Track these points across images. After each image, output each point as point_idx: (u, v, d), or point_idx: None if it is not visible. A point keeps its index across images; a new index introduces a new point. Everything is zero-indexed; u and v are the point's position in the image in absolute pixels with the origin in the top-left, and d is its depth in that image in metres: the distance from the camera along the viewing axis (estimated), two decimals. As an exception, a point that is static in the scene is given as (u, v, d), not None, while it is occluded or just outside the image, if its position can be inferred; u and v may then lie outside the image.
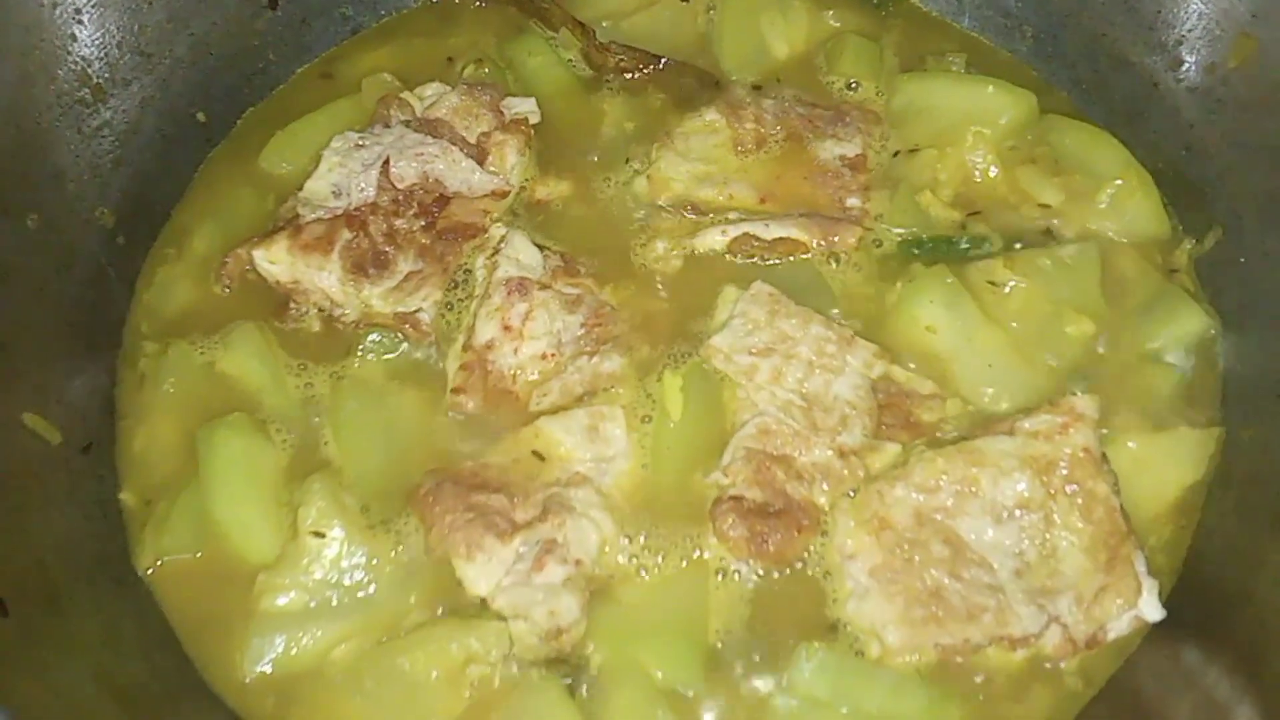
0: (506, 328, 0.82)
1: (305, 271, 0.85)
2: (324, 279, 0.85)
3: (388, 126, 0.92)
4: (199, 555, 0.77)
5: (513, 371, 0.82)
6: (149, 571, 0.78)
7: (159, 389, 0.84)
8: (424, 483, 0.77)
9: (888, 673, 0.73)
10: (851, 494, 0.77)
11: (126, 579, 0.77)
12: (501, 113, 0.93)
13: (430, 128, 0.92)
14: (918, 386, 0.82)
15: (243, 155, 0.95)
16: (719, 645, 0.74)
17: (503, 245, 0.86)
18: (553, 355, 0.82)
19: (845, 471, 0.77)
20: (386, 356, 0.85)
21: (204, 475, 0.78)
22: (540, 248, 0.86)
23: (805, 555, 0.76)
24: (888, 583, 0.74)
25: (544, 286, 0.84)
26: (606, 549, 0.76)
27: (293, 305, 0.86)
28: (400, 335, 0.85)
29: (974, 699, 0.73)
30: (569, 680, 0.73)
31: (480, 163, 0.91)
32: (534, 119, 0.93)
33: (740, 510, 0.76)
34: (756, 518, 0.75)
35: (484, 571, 0.74)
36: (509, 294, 0.83)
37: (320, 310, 0.86)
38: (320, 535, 0.76)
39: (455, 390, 0.81)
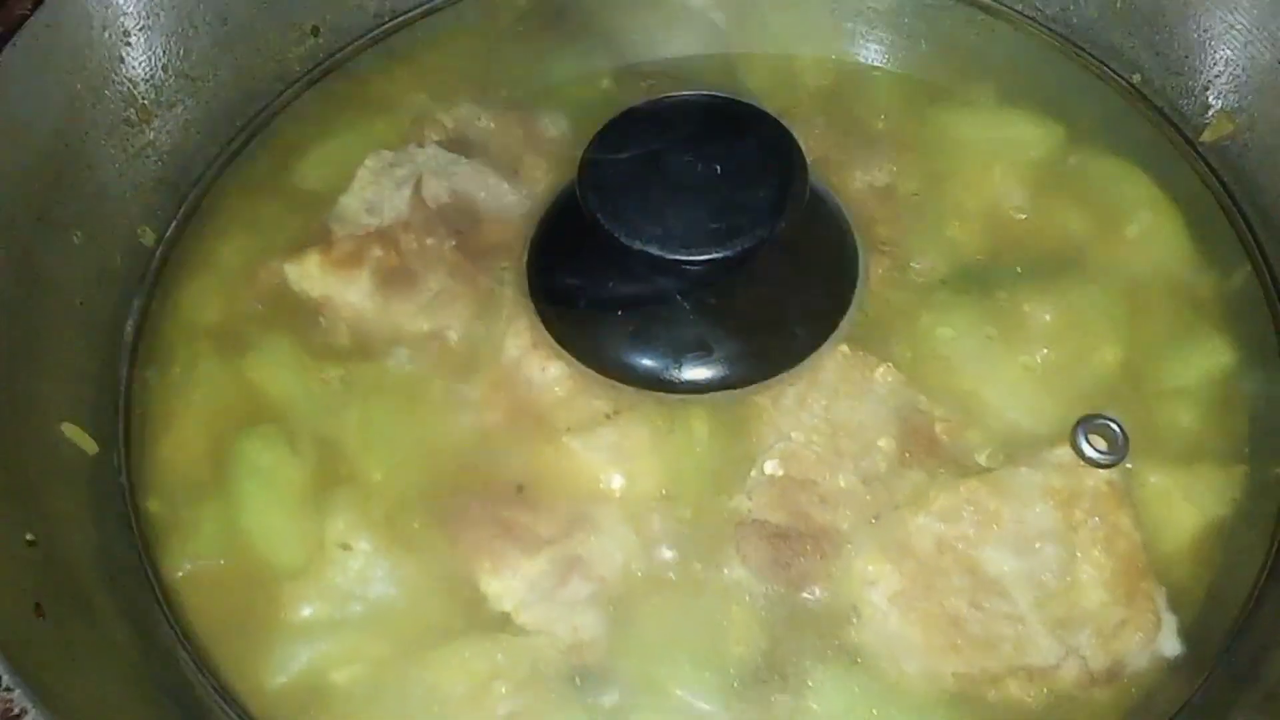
0: (535, 346, 0.83)
1: (335, 286, 0.86)
2: (353, 294, 0.86)
3: (421, 146, 0.93)
4: (225, 564, 0.78)
5: (540, 389, 0.82)
6: (176, 579, 0.78)
7: (189, 400, 0.85)
8: (451, 498, 0.78)
9: (906, 698, 0.73)
10: (874, 520, 0.77)
11: (154, 586, 0.78)
12: (536, 133, 0.94)
13: (463, 147, 0.93)
14: (943, 414, 0.82)
15: (278, 172, 0.96)
16: (739, 666, 0.74)
17: None
18: (581, 374, 0.82)
19: (869, 497, 0.78)
20: (415, 372, 0.85)
21: (232, 484, 0.79)
22: None
23: (827, 579, 0.76)
24: (907, 610, 0.74)
25: None
26: (631, 566, 0.76)
27: (322, 319, 0.87)
28: (429, 352, 0.85)
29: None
30: (591, 696, 0.73)
31: (513, 182, 0.92)
32: (567, 138, 0.94)
33: (764, 533, 0.76)
34: (779, 541, 0.76)
35: (509, 587, 0.75)
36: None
37: (349, 325, 0.87)
38: (347, 548, 0.77)
39: (483, 406, 0.82)
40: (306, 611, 0.76)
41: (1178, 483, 0.80)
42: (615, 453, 0.79)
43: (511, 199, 0.91)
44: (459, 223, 0.89)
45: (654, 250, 0.73)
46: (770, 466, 0.79)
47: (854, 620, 0.75)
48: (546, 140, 0.94)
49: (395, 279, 0.86)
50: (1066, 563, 0.75)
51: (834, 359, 0.82)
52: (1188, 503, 0.80)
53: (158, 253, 0.90)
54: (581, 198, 0.77)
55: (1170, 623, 0.74)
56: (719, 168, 0.75)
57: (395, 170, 0.91)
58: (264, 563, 0.77)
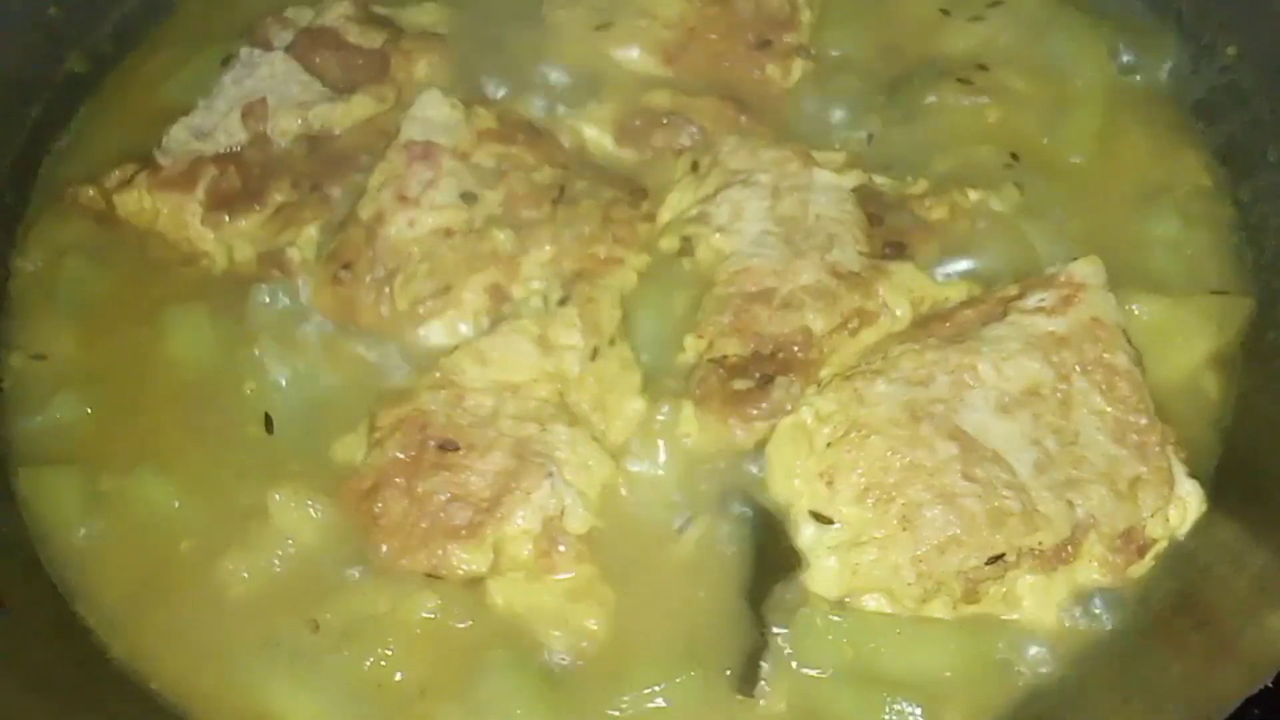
0: (402, 198, 0.70)
1: (165, 213, 0.75)
2: (186, 219, 0.75)
3: (269, 49, 0.81)
4: (123, 540, 0.69)
5: (395, 266, 0.70)
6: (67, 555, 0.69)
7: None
8: (357, 479, 0.65)
9: (902, 625, 0.62)
10: (818, 388, 0.66)
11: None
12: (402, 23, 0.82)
13: (317, 42, 0.80)
14: (908, 188, 0.71)
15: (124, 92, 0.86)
16: (703, 625, 0.64)
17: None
18: (457, 233, 0.70)
19: (843, 290, 0.67)
20: (279, 309, 0.73)
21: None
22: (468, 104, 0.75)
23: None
24: (884, 506, 0.62)
25: (463, 155, 0.72)
26: (605, 490, 0.66)
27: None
28: (280, 283, 0.73)
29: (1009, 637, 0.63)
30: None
31: (382, 75, 0.79)
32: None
33: (719, 374, 0.65)
34: (737, 376, 0.65)
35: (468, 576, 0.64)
36: (411, 161, 0.71)
37: (187, 257, 0.75)
38: (267, 514, 0.66)
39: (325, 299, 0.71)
40: (228, 583, 0.66)
41: (1171, 314, 0.70)
42: (538, 343, 0.68)
43: (367, 110, 0.78)
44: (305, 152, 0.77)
45: None
46: (718, 291, 0.68)
47: (810, 549, 0.63)
48: (417, 32, 0.82)
49: (232, 196, 0.75)
50: (1063, 415, 0.64)
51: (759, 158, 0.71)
52: (1184, 335, 0.70)
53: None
54: None
55: (1183, 471, 0.64)
56: None
57: (234, 89, 0.79)
58: (167, 538, 0.68)
